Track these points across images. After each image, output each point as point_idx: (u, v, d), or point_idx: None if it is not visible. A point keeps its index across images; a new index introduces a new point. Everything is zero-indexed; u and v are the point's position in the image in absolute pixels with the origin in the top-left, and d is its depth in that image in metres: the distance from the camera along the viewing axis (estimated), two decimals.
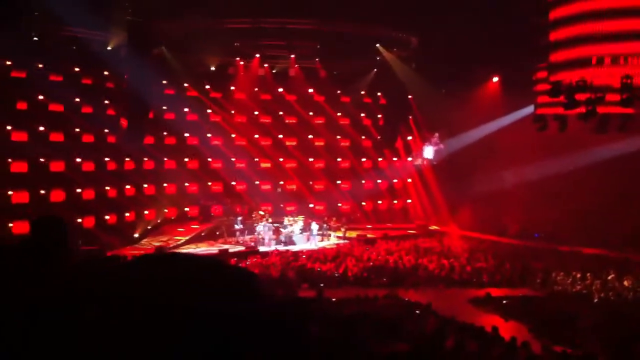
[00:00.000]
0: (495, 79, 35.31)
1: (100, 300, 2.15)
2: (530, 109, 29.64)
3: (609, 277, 22.94)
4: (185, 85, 36.18)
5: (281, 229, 31.27)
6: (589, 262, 25.62)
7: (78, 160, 30.14)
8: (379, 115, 41.34)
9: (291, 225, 31.61)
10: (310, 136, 39.61)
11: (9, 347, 2.11)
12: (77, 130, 30.82)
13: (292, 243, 30.42)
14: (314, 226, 31.24)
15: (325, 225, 32.37)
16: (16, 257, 2.95)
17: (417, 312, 18.67)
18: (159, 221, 33.21)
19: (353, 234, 33.10)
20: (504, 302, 21.00)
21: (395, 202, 40.15)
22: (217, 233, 31.84)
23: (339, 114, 40.19)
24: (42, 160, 28.46)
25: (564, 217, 30.59)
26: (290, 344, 2.23)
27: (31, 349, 2.10)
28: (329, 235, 32.13)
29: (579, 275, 23.24)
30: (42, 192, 27.81)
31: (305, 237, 31.19)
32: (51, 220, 3.23)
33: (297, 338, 2.32)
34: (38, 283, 2.45)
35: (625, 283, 22.44)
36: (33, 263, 2.87)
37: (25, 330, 2.13)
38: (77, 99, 30.90)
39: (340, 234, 32.68)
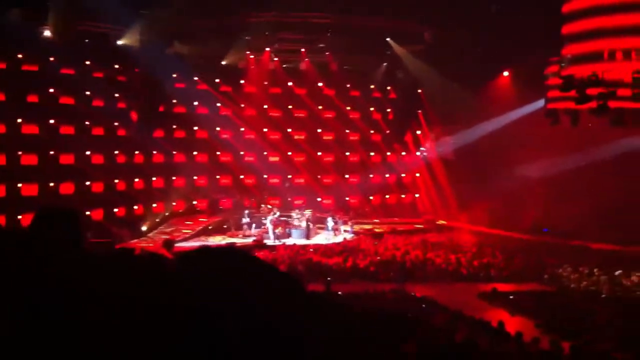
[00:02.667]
0: (506, 74, 35.10)
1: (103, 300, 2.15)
2: (540, 104, 29.47)
3: (617, 273, 22.83)
4: (195, 78, 36.19)
5: (293, 223, 31.38)
6: (599, 257, 25.51)
7: (88, 153, 30.26)
8: (389, 110, 41.22)
9: (299, 219, 31.65)
10: (319, 130, 39.57)
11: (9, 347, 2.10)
12: (88, 123, 30.89)
13: (307, 237, 30.48)
14: (330, 221, 31.19)
15: (340, 220, 32.31)
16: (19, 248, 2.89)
17: (424, 306, 18.66)
18: (167, 214, 33.32)
19: (360, 228, 33.08)
20: (511, 297, 20.93)
21: (404, 196, 40.11)
22: (225, 226, 31.94)
23: (348, 108, 40.10)
24: (52, 152, 28.59)
25: (578, 212, 30.37)
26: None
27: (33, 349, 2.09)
28: (338, 229, 32.03)
29: (586, 271, 23.14)
30: (52, 184, 27.97)
31: (313, 230, 31.23)
32: (60, 212, 3.08)
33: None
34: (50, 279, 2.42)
35: (634, 279, 22.34)
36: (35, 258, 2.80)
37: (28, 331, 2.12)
38: (88, 92, 30.96)
39: (348, 228, 32.66)
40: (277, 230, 30.40)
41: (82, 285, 2.19)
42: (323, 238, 30.45)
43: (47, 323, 2.13)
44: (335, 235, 31.07)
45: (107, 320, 2.04)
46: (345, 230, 31.94)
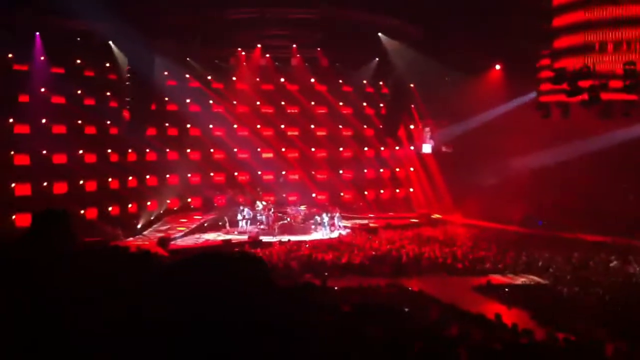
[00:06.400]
0: (498, 67, 35.13)
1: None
2: (532, 96, 29.51)
3: (612, 264, 22.92)
4: (187, 76, 36.09)
5: (287, 219, 31.44)
6: (592, 248, 25.58)
7: (80, 152, 30.17)
8: (381, 104, 41.22)
9: (295, 214, 31.74)
10: (312, 126, 39.54)
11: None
12: (79, 122, 30.82)
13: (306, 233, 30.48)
14: (325, 217, 31.15)
15: (334, 214, 32.14)
16: (18, 252, 2.90)
17: (420, 300, 18.69)
18: (161, 212, 33.24)
19: (355, 223, 33.07)
20: (506, 289, 20.98)
21: (398, 191, 40.12)
22: (220, 223, 31.86)
23: (340, 103, 40.09)
24: (44, 152, 28.49)
25: (570, 204, 30.45)
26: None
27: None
28: (335, 225, 31.81)
29: (580, 262, 23.21)
30: (45, 184, 27.86)
31: (309, 226, 31.23)
32: (53, 213, 3.15)
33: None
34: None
35: (630, 269, 22.42)
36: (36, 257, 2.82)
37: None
38: (79, 91, 30.91)
39: (342, 223, 32.57)
40: (276, 226, 30.49)
41: (73, 284, 2.19)
42: (319, 234, 30.39)
43: (37, 322, 2.13)
44: (331, 231, 30.99)
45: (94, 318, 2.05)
46: (339, 226, 31.78)
